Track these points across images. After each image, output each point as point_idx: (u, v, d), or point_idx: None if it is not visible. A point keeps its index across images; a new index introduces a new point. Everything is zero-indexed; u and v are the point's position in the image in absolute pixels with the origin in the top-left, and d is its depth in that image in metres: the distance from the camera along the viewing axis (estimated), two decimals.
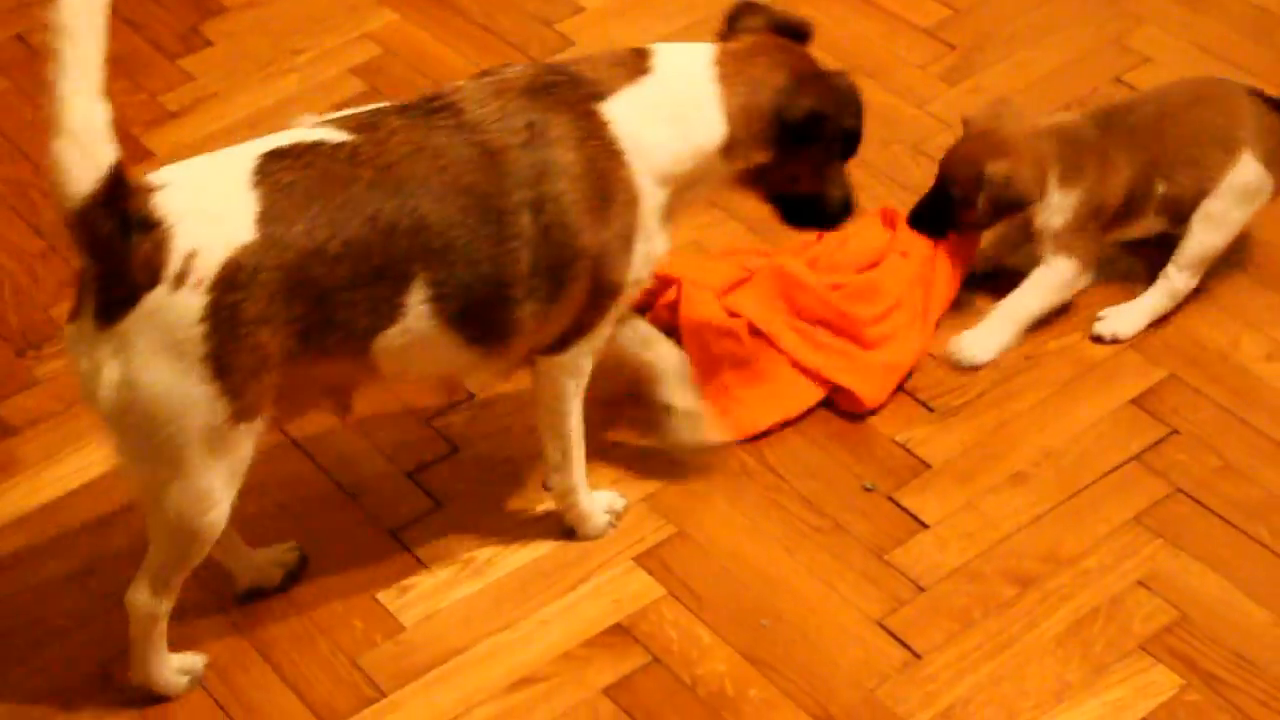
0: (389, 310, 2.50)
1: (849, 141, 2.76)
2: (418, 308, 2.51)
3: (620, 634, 2.79)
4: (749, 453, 3.03)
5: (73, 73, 2.24)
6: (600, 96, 2.59)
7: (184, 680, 2.75)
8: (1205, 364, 3.12)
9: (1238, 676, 2.67)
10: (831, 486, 2.97)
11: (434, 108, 2.56)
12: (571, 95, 2.58)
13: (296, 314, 2.44)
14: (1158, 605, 2.76)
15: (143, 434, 2.44)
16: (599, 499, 2.91)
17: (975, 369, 3.15)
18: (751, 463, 3.01)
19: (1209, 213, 3.16)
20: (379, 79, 3.83)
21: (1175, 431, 3.01)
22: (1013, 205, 3.15)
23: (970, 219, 3.19)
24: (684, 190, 2.69)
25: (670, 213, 2.69)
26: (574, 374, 2.75)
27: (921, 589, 2.82)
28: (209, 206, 2.41)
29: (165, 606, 2.63)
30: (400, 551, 2.92)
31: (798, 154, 2.70)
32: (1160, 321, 3.18)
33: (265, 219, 2.40)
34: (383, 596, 2.85)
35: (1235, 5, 3.83)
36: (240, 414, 2.45)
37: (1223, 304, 3.21)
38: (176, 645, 2.75)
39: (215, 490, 2.50)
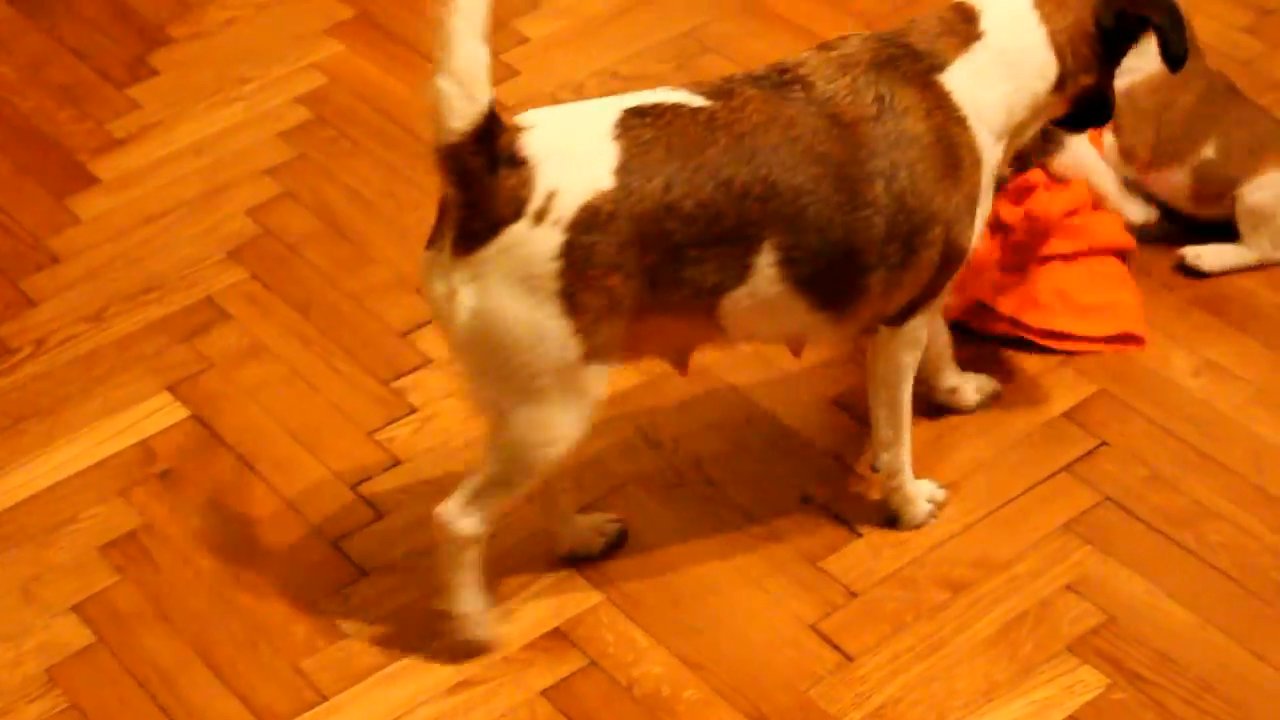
0: (738, 270, 2.60)
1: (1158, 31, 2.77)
2: (766, 270, 2.61)
3: (559, 638, 2.83)
4: (687, 463, 3.08)
5: (463, 15, 2.37)
6: (939, 68, 2.68)
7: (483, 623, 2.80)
8: (1135, 380, 3.18)
9: (1162, 676, 2.72)
10: (768, 496, 3.01)
11: (785, 80, 2.65)
12: (912, 68, 2.67)
13: (646, 264, 2.54)
14: (1085, 609, 2.81)
15: (494, 359, 2.55)
16: (921, 487, 2.97)
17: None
18: (689, 472, 3.06)
19: None
20: (325, 108, 3.88)
21: (1104, 443, 3.06)
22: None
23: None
24: (1016, 138, 2.79)
25: (999, 168, 2.81)
26: (913, 346, 2.84)
27: (854, 594, 2.86)
28: (572, 151, 2.52)
29: (473, 529, 2.68)
30: (342, 560, 2.96)
31: (1116, 60, 2.80)
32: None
33: (624, 170, 2.51)
34: (325, 603, 2.89)
35: None
36: (590, 354, 2.55)
37: (1154, 322, 3.27)
38: (121, 655, 2.79)
39: (560, 425, 2.60)
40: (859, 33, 2.74)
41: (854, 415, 3.13)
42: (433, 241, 2.57)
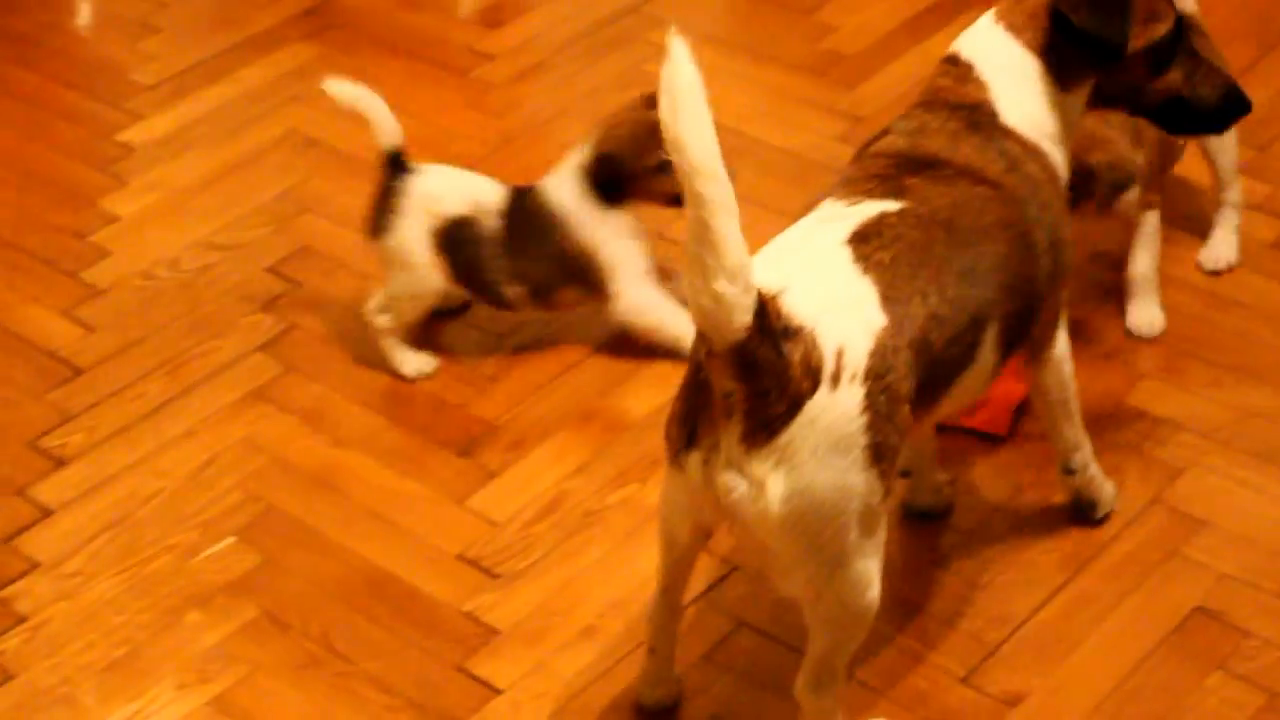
0: (971, 354, 2.62)
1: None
2: (987, 344, 2.64)
3: None
4: (315, 641, 2.96)
5: (726, 211, 2.21)
6: (994, 112, 2.72)
7: None
8: None
9: None
10: (401, 664, 2.91)
11: (924, 161, 2.66)
12: (985, 120, 2.71)
13: (918, 384, 2.51)
14: None
15: (812, 534, 2.46)
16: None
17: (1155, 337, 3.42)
18: (318, 651, 2.94)
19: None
20: None
21: (736, 568, 3.03)
22: (1121, 185, 3.29)
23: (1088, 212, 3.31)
24: (1069, 141, 2.81)
25: None
26: (1067, 356, 2.90)
27: None
28: (838, 300, 2.46)
29: (833, 695, 2.60)
30: None
31: (1116, 60, 2.75)
32: None
33: (887, 300, 2.48)
34: None
35: (767, 155, 3.95)
36: (889, 490, 2.50)
37: None
38: None
39: (873, 569, 2.53)
40: (902, 115, 2.75)
41: (480, 567, 3.06)
42: (692, 445, 2.47)
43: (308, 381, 3.48)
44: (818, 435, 2.40)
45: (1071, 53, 2.74)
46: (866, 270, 2.49)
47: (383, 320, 3.47)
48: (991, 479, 3.17)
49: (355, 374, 3.48)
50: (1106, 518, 3.06)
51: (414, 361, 3.47)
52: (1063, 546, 3.04)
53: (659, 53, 4.04)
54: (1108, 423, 3.22)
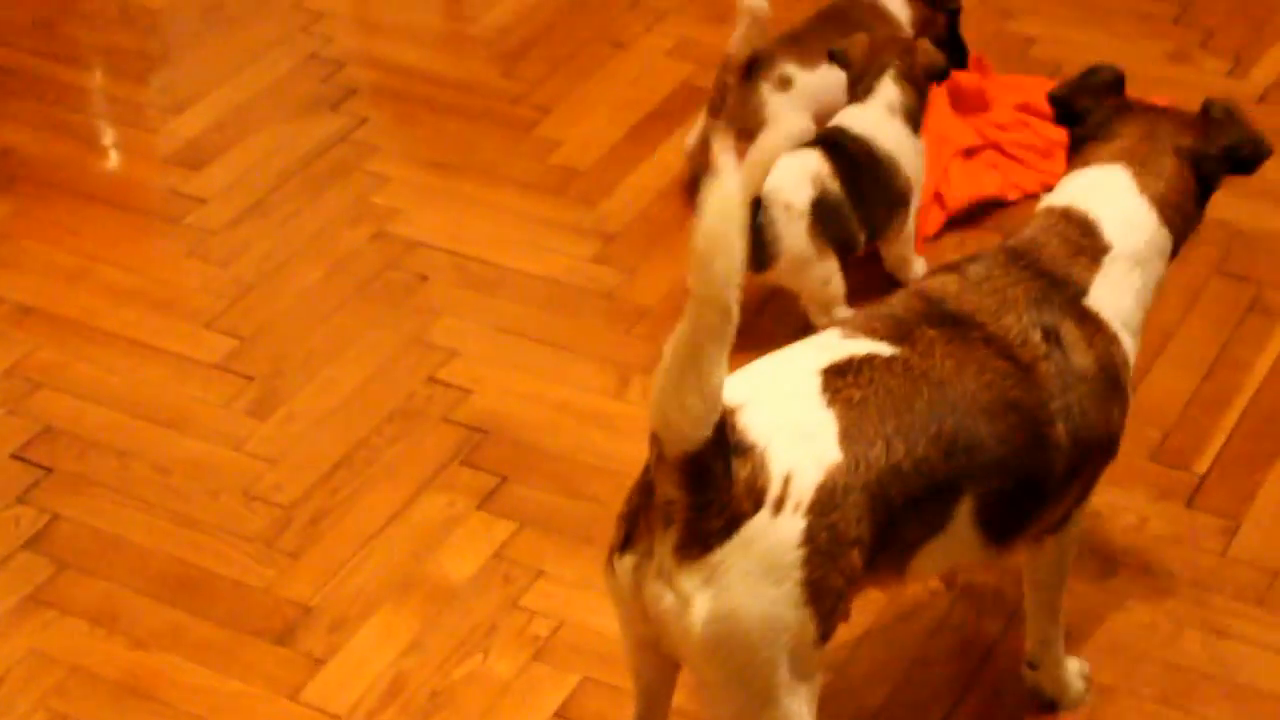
0: (938, 522, 2.49)
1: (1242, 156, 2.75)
2: (963, 517, 2.51)
3: None
4: None
5: (718, 342, 2.16)
6: (1084, 293, 2.63)
7: None
8: (616, 661, 3.00)
9: None
10: None
11: (958, 319, 2.55)
12: (1062, 298, 2.61)
13: (870, 533, 2.38)
14: None
15: (736, 663, 2.35)
16: (1071, 665, 2.93)
17: None
18: None
19: None
20: None
21: None
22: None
23: None
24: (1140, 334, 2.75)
25: None
26: (1076, 540, 2.81)
27: None
28: (794, 425, 2.36)
29: None
30: None
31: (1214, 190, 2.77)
32: (560, 627, 3.07)
33: (847, 437, 2.37)
34: None
35: (523, 284, 3.79)
36: (825, 635, 2.38)
37: None
38: None
39: (804, 714, 2.41)
40: (985, 255, 2.67)
41: None
42: (626, 547, 2.39)
43: (87, 578, 3.18)
44: (751, 559, 2.32)
45: (1200, 201, 2.75)
46: (831, 403, 2.40)
47: (835, 315, 3.46)
48: None
49: (139, 564, 3.20)
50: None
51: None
52: None
53: (382, 183, 3.96)
54: None
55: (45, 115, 4.33)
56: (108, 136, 4.23)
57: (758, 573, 2.31)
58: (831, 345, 2.51)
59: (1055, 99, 2.83)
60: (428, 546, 3.22)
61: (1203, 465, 3.30)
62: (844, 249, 3.53)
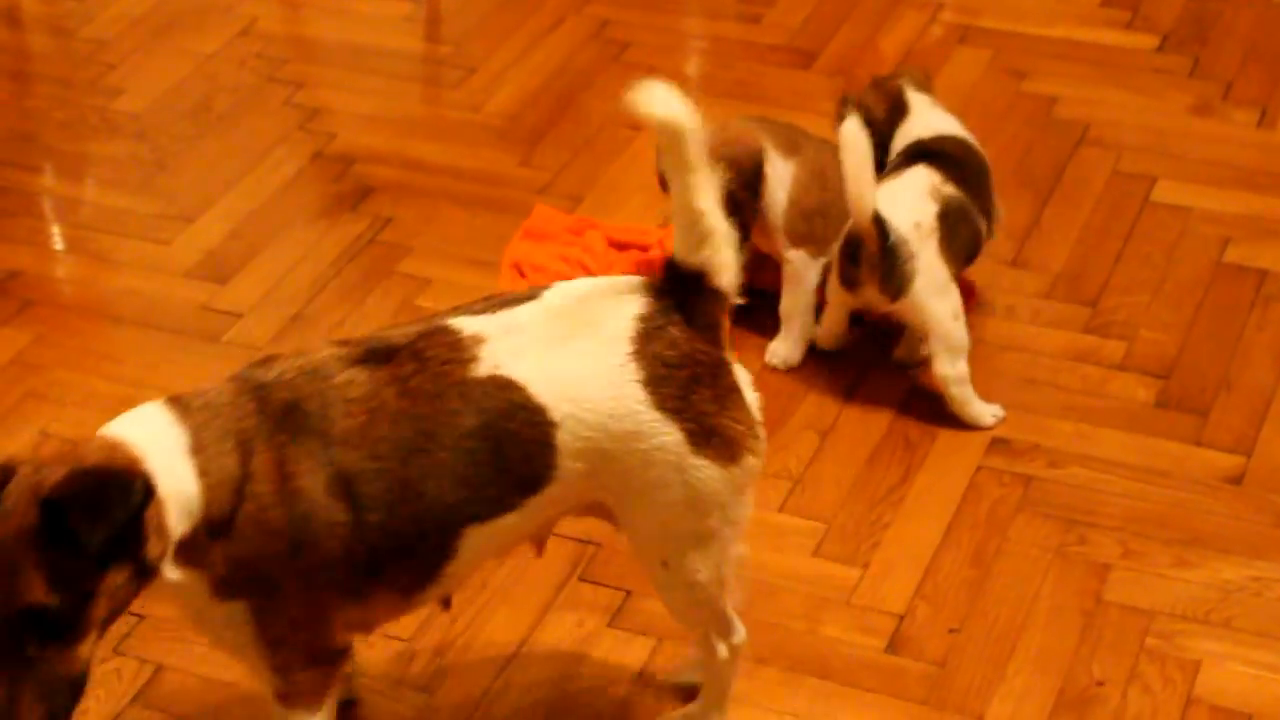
0: None
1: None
2: None
3: None
4: None
5: None
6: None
7: None
8: None
9: None
10: None
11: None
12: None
13: None
14: None
15: None
16: None
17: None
18: None
19: None
20: None
21: None
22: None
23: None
24: None
25: None
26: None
27: None
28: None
29: None
30: None
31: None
32: None
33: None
34: None
35: None
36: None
37: None
38: None
39: None
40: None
41: None
42: None
43: None
44: None
45: None
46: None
47: (960, 368, 3.43)
48: None
49: (257, 713, 2.99)
50: None
51: (989, 409, 3.47)
52: None
53: (424, 285, 3.80)
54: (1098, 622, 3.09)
55: (46, 232, 4.11)
56: (119, 251, 4.00)
57: None
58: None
59: None
60: (567, 671, 3.06)
61: None
62: (972, 256, 3.51)
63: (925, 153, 3.52)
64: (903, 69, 3.78)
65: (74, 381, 3.65)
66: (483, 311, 2.58)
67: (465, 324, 2.56)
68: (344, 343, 2.58)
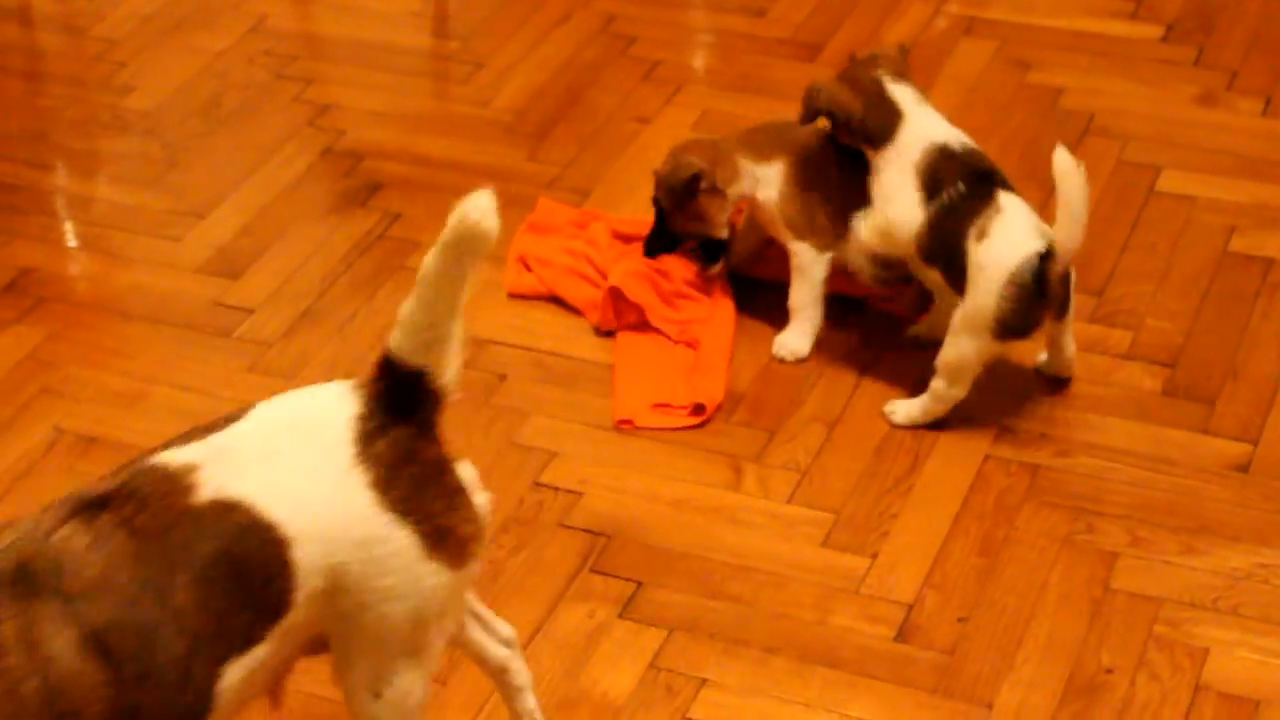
0: None
1: None
2: None
3: None
4: None
5: None
6: None
7: None
8: None
9: None
10: None
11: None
12: None
13: None
14: None
15: None
16: None
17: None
18: None
19: None
20: None
21: None
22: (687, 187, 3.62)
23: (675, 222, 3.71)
24: None
25: None
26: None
27: None
28: None
29: None
30: None
31: None
32: None
33: None
34: None
35: (603, 376, 3.66)
36: None
37: None
38: None
39: None
40: None
41: None
42: None
43: None
44: None
45: None
46: None
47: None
48: None
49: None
50: None
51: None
52: None
53: None
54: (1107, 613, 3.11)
55: (58, 230, 4.14)
56: (131, 248, 4.03)
57: None
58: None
59: None
60: (578, 661, 3.08)
61: None
62: None
63: (982, 173, 3.45)
64: (878, 52, 3.62)
65: (86, 377, 3.67)
66: (188, 441, 2.41)
67: (173, 457, 2.38)
68: (50, 505, 2.36)
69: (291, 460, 2.39)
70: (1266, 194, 3.97)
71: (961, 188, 3.42)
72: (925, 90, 3.60)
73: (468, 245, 2.37)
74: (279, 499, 2.36)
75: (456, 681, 3.05)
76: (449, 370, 2.46)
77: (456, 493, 2.48)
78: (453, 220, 2.35)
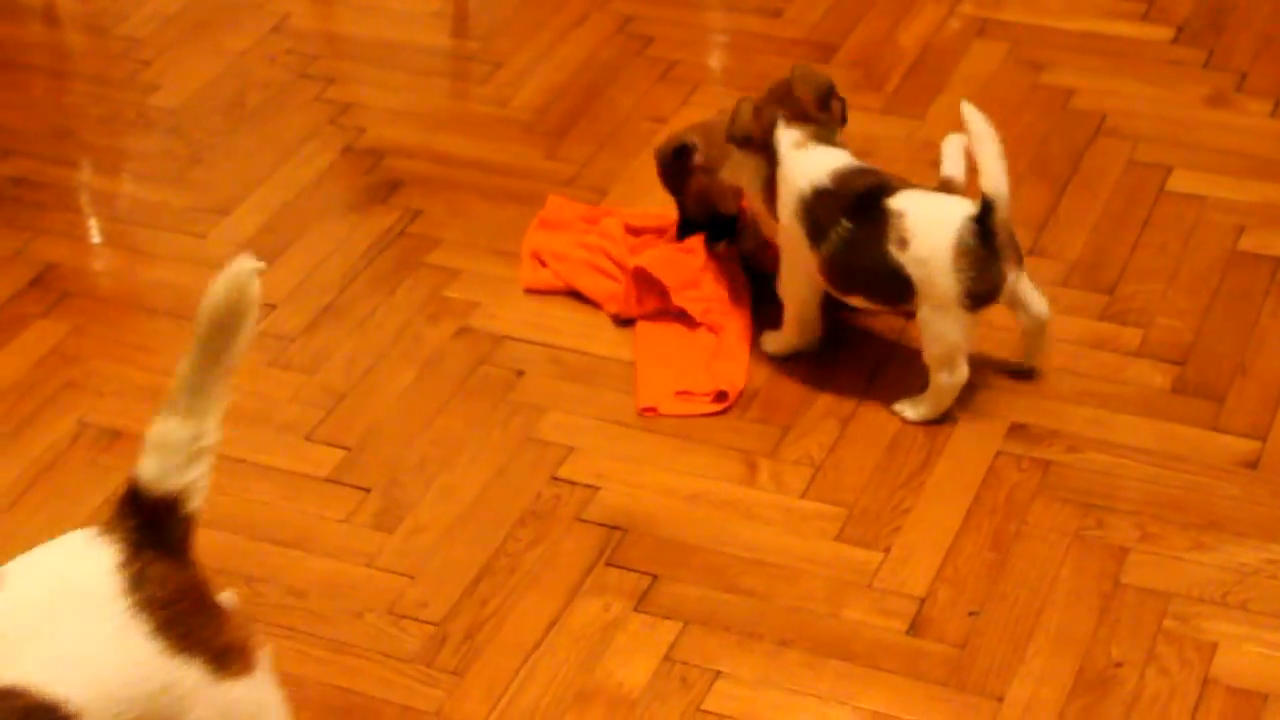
0: None
1: None
2: None
3: None
4: None
5: None
6: None
7: None
8: None
9: None
10: None
11: None
12: None
13: None
14: None
15: None
16: None
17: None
18: None
19: None
20: None
21: None
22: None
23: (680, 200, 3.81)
24: None
25: None
26: None
27: None
28: None
29: None
30: None
31: None
32: None
33: None
34: None
35: (620, 372, 3.71)
36: None
37: None
38: None
39: None
40: None
41: None
42: None
43: None
44: None
45: None
46: None
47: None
48: None
49: (297, 693, 2.99)
50: None
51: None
52: None
53: (452, 277, 3.86)
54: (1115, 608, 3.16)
55: (83, 226, 4.19)
56: (155, 244, 4.08)
57: None
58: None
59: None
60: (593, 654, 3.13)
61: None
62: None
63: (862, 196, 3.45)
64: (797, 84, 3.59)
65: (111, 372, 3.73)
66: None
67: None
68: None
69: (64, 631, 2.28)
70: (1275, 194, 4.00)
71: (846, 223, 3.43)
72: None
73: (230, 321, 2.35)
74: (60, 674, 2.25)
75: (475, 673, 3.09)
76: (199, 495, 2.41)
77: (218, 609, 2.44)
78: (209, 298, 2.31)
